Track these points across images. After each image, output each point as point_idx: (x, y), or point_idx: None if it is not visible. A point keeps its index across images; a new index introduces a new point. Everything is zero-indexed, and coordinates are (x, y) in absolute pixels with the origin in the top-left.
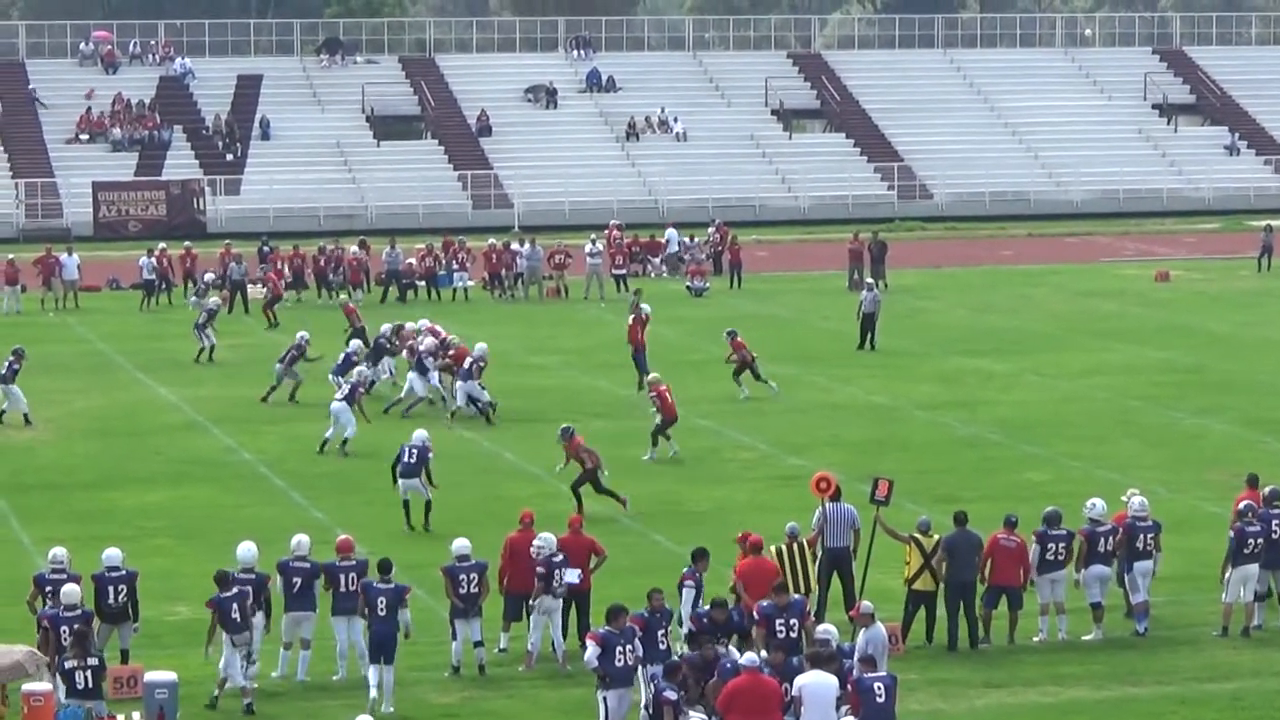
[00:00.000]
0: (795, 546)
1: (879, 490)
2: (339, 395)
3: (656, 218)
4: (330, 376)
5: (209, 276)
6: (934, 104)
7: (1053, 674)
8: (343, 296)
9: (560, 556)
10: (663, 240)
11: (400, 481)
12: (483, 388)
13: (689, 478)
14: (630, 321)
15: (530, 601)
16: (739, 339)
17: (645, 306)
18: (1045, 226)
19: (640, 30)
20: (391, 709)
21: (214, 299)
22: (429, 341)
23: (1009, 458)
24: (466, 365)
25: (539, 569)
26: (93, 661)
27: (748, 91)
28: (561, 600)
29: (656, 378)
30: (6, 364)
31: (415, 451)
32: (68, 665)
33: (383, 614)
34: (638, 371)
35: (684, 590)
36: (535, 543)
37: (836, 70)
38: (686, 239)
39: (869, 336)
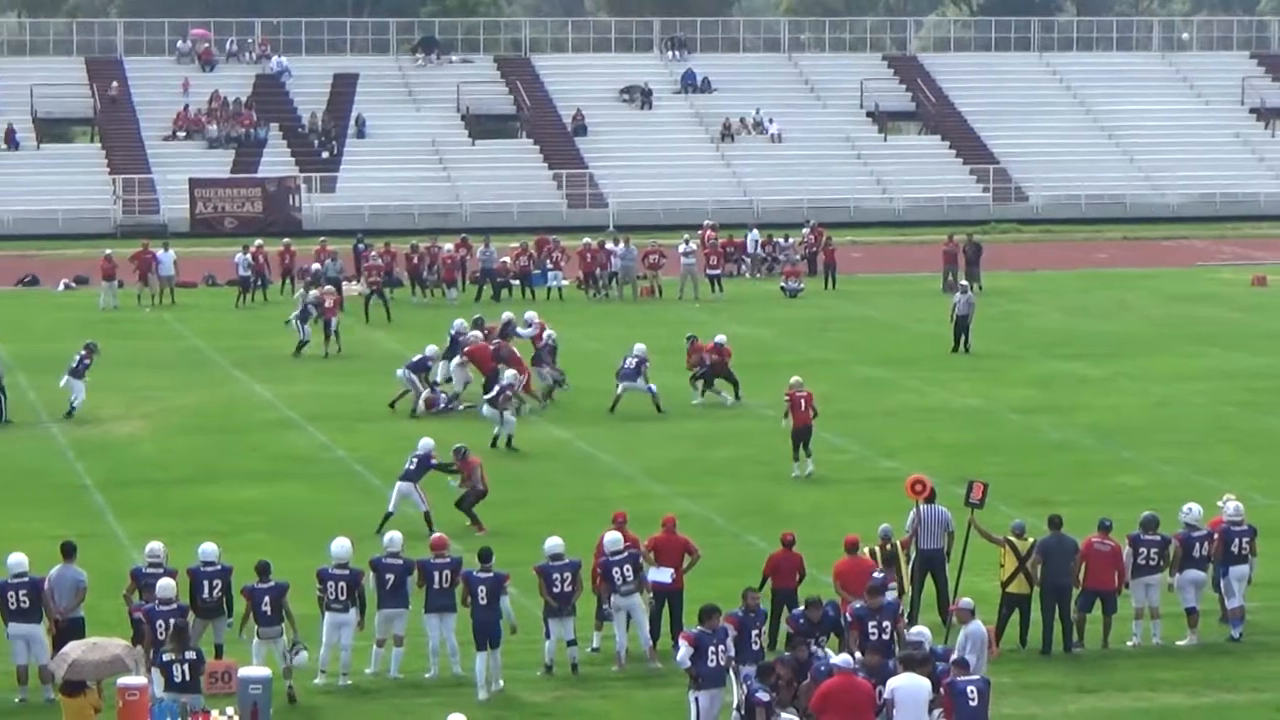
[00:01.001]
0: (889, 548)
1: (974, 493)
2: (486, 396)
3: (750, 218)
4: (400, 372)
5: (315, 267)
6: (1030, 107)
7: (1147, 679)
8: (452, 293)
9: (626, 554)
10: (742, 241)
11: (397, 484)
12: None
13: (782, 479)
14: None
15: (604, 604)
16: (699, 343)
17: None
18: (1141, 230)
19: (735, 31)
20: (500, 684)
21: (314, 292)
22: (509, 374)
23: (1103, 462)
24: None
25: (598, 569)
26: (190, 656)
27: (843, 93)
28: (635, 597)
29: (798, 382)
30: (77, 358)
31: (416, 459)
32: (166, 658)
33: (483, 602)
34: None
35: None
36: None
37: (932, 72)
38: (781, 239)
39: (963, 339)
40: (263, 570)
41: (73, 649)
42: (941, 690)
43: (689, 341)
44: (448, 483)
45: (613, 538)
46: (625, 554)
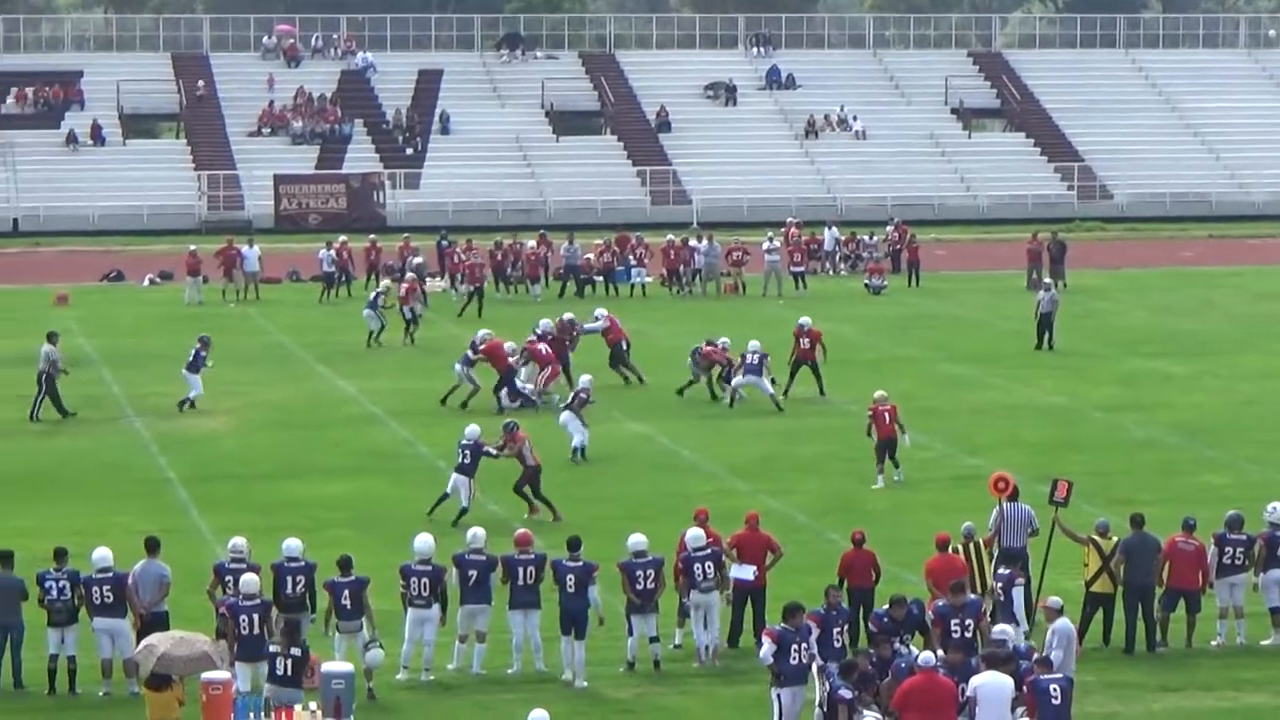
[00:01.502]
0: (971, 546)
1: (1058, 491)
2: (563, 404)
3: (834, 216)
4: (457, 367)
5: (418, 261)
6: (1115, 104)
7: (1230, 679)
8: (536, 290)
9: (709, 551)
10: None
11: (453, 476)
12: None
13: (866, 477)
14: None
15: (684, 600)
16: (709, 346)
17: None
18: (1226, 228)
19: (820, 28)
20: (584, 684)
21: (386, 282)
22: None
23: (1187, 460)
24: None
25: (680, 565)
26: (295, 652)
27: (927, 90)
28: (714, 594)
29: (882, 396)
30: (192, 352)
31: (468, 451)
32: (272, 649)
33: (571, 590)
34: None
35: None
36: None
37: (1017, 69)
38: (865, 236)
39: (1046, 337)
40: (344, 565)
41: (160, 642)
42: (1024, 688)
43: (706, 344)
44: (485, 450)
45: (695, 534)
46: (708, 551)
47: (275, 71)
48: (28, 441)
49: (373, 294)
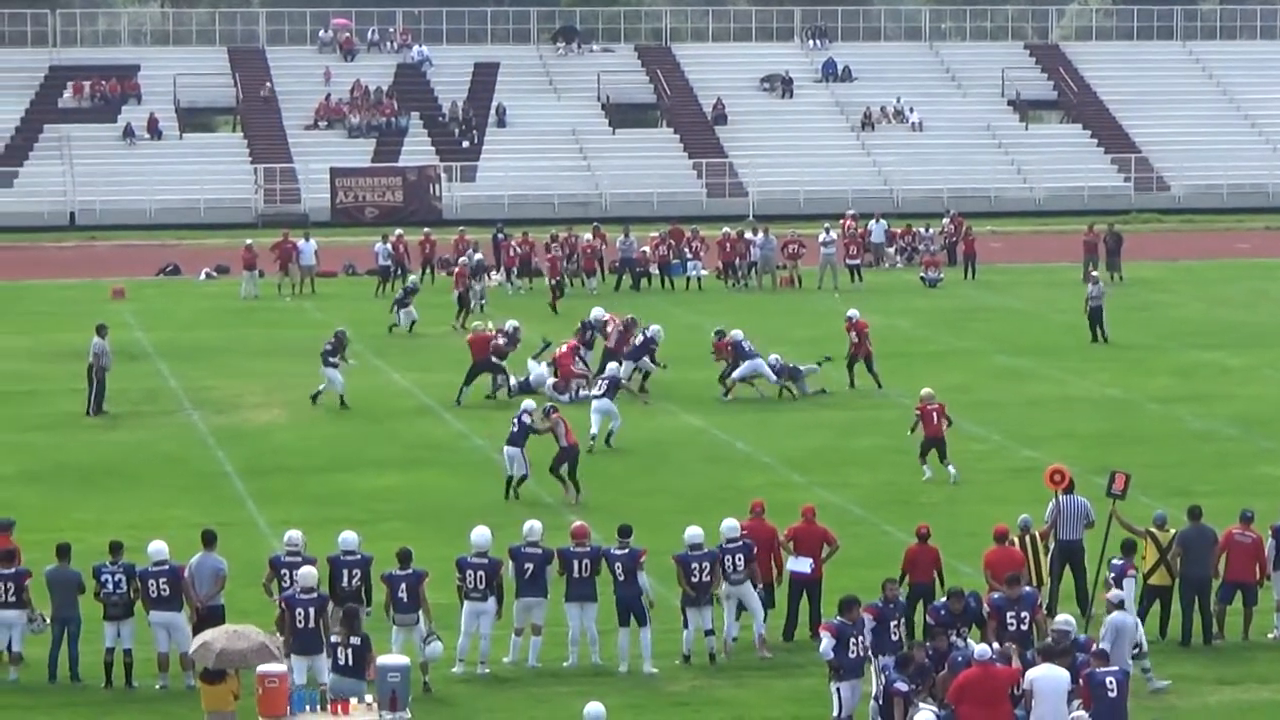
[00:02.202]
0: (1028, 539)
1: (1116, 484)
2: (597, 393)
3: (891, 208)
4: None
5: (478, 257)
6: (1172, 95)
7: None
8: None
9: (740, 543)
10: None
11: (505, 449)
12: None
13: (921, 469)
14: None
15: (713, 590)
16: (725, 340)
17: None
18: None
19: (876, 20)
20: (653, 670)
21: (414, 278)
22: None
23: (1244, 452)
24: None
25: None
26: (355, 641)
27: (984, 82)
28: (746, 585)
29: (929, 394)
30: (327, 345)
31: (517, 421)
32: (334, 640)
33: (621, 579)
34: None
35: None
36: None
37: (1074, 61)
38: (921, 229)
39: (1098, 329)
40: (404, 558)
41: (216, 638)
42: (1081, 681)
43: (716, 337)
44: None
45: (729, 524)
46: (739, 543)
47: (331, 65)
48: (85, 435)
49: (400, 291)
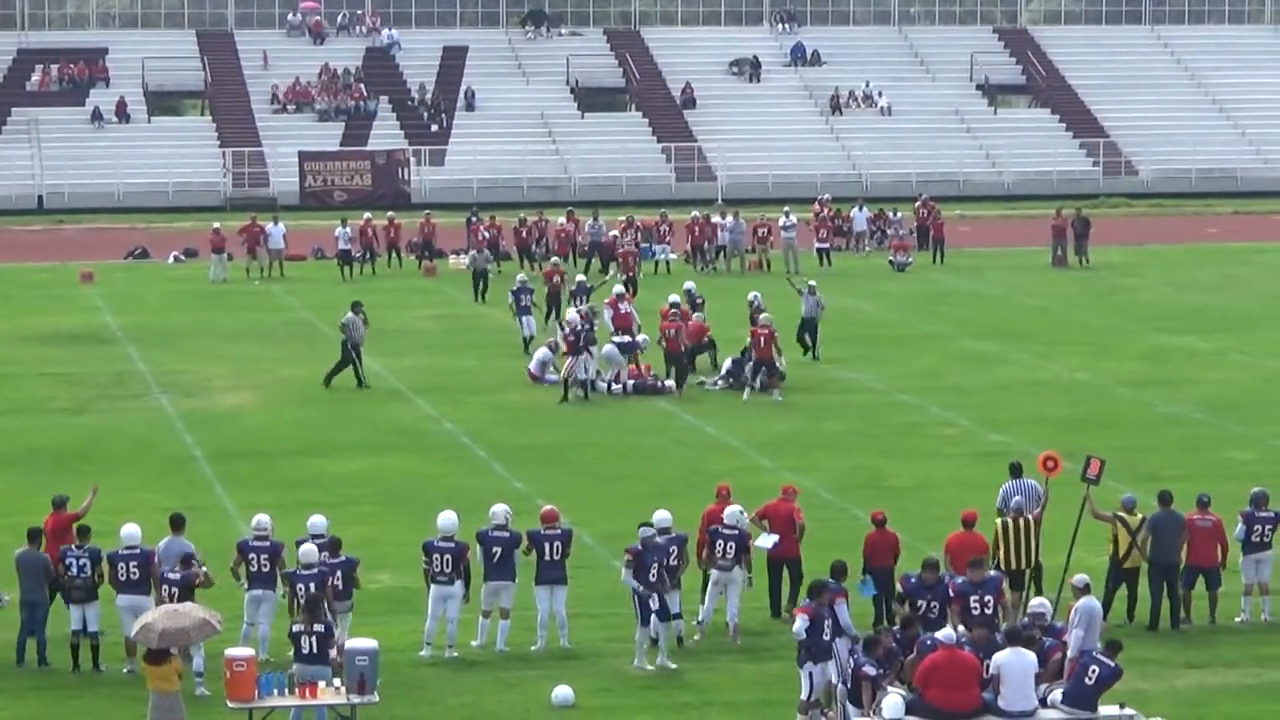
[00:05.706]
0: (1021, 522)
1: (1090, 469)
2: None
3: (860, 192)
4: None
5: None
6: (1140, 80)
7: (1254, 655)
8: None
9: (737, 531)
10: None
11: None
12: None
13: (890, 453)
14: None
15: (704, 571)
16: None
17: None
18: (1252, 204)
19: (845, 4)
20: (672, 665)
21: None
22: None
23: (1213, 436)
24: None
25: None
26: (318, 628)
27: (953, 66)
28: (735, 570)
29: (766, 319)
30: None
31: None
32: (295, 629)
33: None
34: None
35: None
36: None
37: (1042, 45)
38: (890, 213)
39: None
40: (333, 546)
41: (157, 619)
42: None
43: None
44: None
45: (732, 510)
46: (736, 531)
47: (300, 48)
48: (55, 419)
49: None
